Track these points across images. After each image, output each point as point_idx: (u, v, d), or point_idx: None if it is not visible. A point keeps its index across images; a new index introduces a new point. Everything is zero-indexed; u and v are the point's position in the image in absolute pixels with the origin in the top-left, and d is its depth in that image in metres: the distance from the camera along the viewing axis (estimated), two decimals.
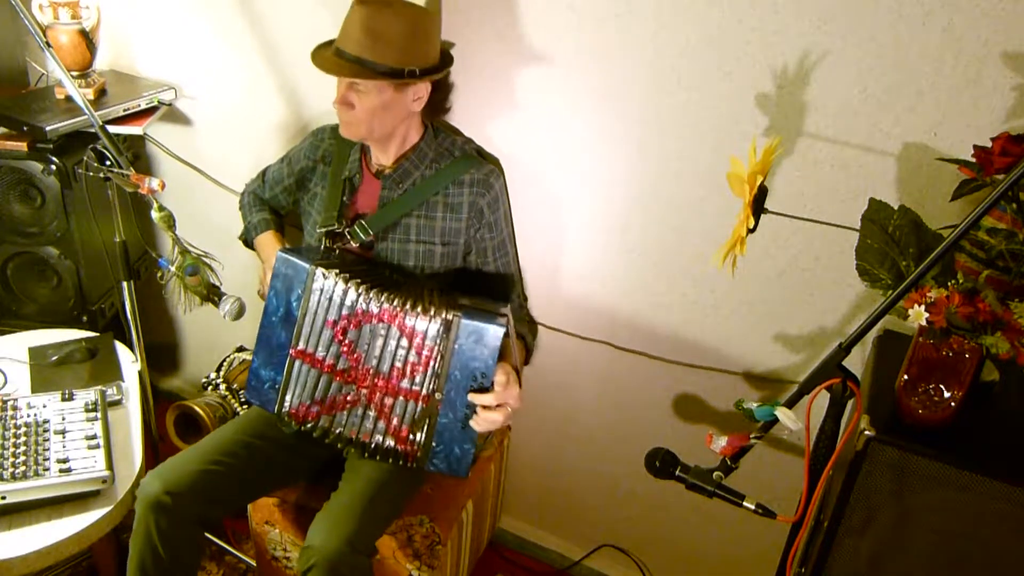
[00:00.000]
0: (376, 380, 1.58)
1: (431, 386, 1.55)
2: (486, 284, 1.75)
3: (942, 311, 1.16)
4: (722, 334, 1.87)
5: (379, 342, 1.56)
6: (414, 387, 1.57)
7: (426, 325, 1.53)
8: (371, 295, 1.55)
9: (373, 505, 1.60)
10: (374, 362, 1.57)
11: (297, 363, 1.62)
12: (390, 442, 1.61)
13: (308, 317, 1.59)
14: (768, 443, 1.91)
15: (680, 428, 2.01)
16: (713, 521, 2.09)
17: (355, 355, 1.58)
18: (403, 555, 1.80)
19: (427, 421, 1.57)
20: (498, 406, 1.53)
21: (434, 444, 1.58)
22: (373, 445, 1.62)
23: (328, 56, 1.57)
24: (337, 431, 1.63)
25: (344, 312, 1.57)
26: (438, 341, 1.53)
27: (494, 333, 1.49)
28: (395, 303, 1.54)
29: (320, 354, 1.60)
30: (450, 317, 1.51)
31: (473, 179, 1.68)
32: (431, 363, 1.54)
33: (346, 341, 1.58)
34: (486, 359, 1.51)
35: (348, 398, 1.60)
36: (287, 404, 1.64)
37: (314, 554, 1.51)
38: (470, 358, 1.52)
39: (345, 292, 1.55)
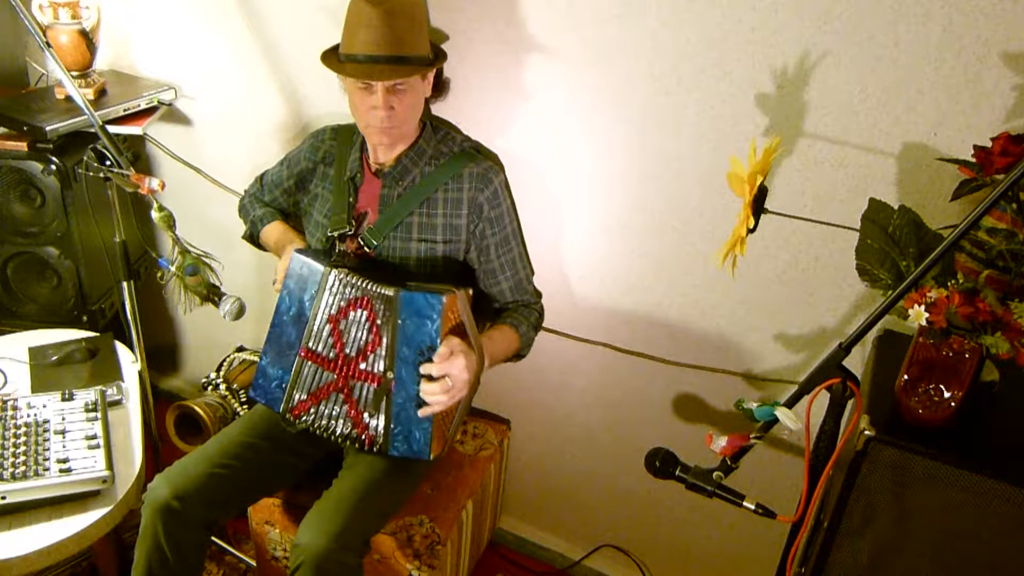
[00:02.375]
0: (348, 365, 1.59)
1: (383, 365, 1.55)
2: (492, 282, 1.75)
3: (942, 311, 1.16)
4: (722, 334, 1.87)
5: (354, 328, 1.57)
6: (367, 368, 1.57)
7: (374, 303, 1.54)
8: (356, 283, 1.56)
9: (363, 503, 1.60)
10: (349, 348, 1.58)
11: (306, 364, 1.63)
12: (349, 427, 1.61)
13: (319, 317, 1.60)
14: (768, 443, 1.91)
15: (680, 428, 2.01)
16: (713, 521, 2.09)
17: (340, 342, 1.59)
18: (403, 555, 1.80)
19: (383, 402, 1.56)
20: (439, 379, 1.50)
21: (392, 427, 1.57)
22: (342, 432, 1.62)
23: (367, 66, 1.53)
24: (321, 422, 1.63)
25: (342, 304, 1.58)
26: (382, 318, 1.53)
27: (433, 304, 1.49)
28: (366, 286, 1.55)
29: (323, 352, 1.61)
30: (390, 292, 1.52)
31: (472, 174, 1.68)
32: (381, 340, 1.54)
33: (336, 331, 1.59)
34: (430, 332, 1.50)
35: (329, 386, 1.61)
36: (293, 402, 1.65)
37: (302, 552, 1.51)
38: (415, 332, 1.51)
39: (350, 285, 1.56)
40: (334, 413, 1.62)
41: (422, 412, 1.54)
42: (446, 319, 1.51)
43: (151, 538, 1.58)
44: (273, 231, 1.89)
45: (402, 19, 1.53)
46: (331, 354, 1.60)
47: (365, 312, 1.56)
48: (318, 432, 1.64)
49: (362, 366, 1.58)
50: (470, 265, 1.75)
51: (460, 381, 1.52)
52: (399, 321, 1.52)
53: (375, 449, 1.60)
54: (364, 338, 1.57)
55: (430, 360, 1.51)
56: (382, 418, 1.58)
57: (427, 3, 1.64)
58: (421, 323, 1.51)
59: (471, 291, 1.67)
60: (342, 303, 1.58)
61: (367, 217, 1.72)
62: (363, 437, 1.60)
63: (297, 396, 1.64)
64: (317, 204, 1.79)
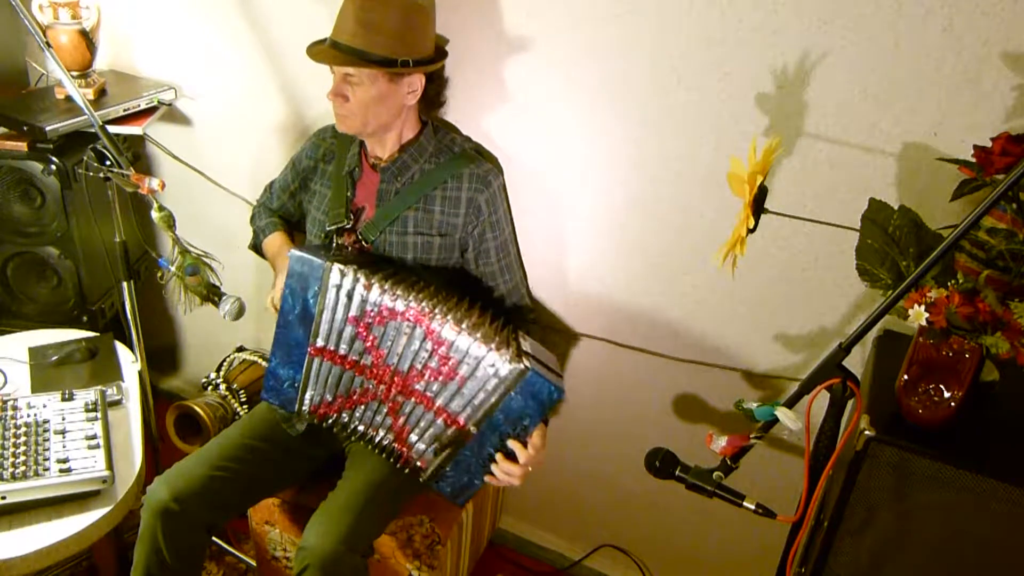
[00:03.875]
0: (394, 378, 1.57)
1: (471, 417, 1.53)
2: (491, 285, 1.75)
3: (942, 311, 1.16)
4: (722, 334, 1.87)
5: (403, 340, 1.53)
6: (441, 403, 1.54)
7: (482, 351, 1.47)
8: (398, 292, 1.52)
9: (369, 505, 1.60)
10: (395, 359, 1.55)
11: (316, 360, 1.61)
12: (390, 439, 1.61)
13: (326, 314, 1.57)
14: (768, 443, 1.91)
15: (680, 428, 2.01)
16: (713, 521, 2.09)
17: (378, 351, 1.57)
18: (403, 555, 1.80)
19: (452, 446, 1.56)
20: (523, 465, 1.53)
21: (448, 470, 1.59)
22: (377, 440, 1.62)
23: (322, 48, 1.58)
24: (354, 425, 1.63)
25: (368, 309, 1.54)
26: (501, 384, 1.48)
27: (553, 397, 1.47)
28: (423, 304, 1.51)
29: (343, 350, 1.58)
30: (524, 366, 1.46)
31: (472, 175, 1.68)
32: (465, 383, 1.51)
33: (370, 337, 1.56)
34: (533, 415, 1.50)
35: (368, 393, 1.60)
36: (307, 401, 1.64)
37: (309, 554, 1.51)
38: (521, 408, 1.49)
39: (368, 290, 1.52)
40: (376, 422, 1.61)
41: (488, 478, 1.55)
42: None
43: (150, 540, 1.58)
44: (272, 243, 1.88)
45: (378, 17, 1.52)
46: (365, 359, 1.57)
47: (421, 329, 1.51)
48: (343, 435, 1.64)
49: (418, 386, 1.55)
50: (466, 267, 1.75)
51: (535, 468, 1.55)
52: (511, 393, 1.48)
53: (419, 478, 1.61)
54: (424, 360, 1.53)
55: (519, 436, 1.52)
56: (438, 456, 1.58)
57: (431, 11, 1.61)
58: (532, 406, 1.49)
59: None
60: (370, 307, 1.53)
61: (364, 211, 1.72)
62: (401, 454, 1.60)
63: (313, 395, 1.63)
64: (316, 201, 1.79)
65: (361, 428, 1.63)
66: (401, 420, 1.58)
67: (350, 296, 1.54)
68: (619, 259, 1.90)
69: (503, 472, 1.53)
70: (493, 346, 1.47)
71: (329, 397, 1.63)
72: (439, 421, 1.55)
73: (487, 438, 1.53)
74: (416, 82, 1.61)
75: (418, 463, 1.61)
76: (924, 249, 1.27)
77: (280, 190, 1.91)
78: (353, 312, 1.55)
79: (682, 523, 2.14)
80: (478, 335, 1.48)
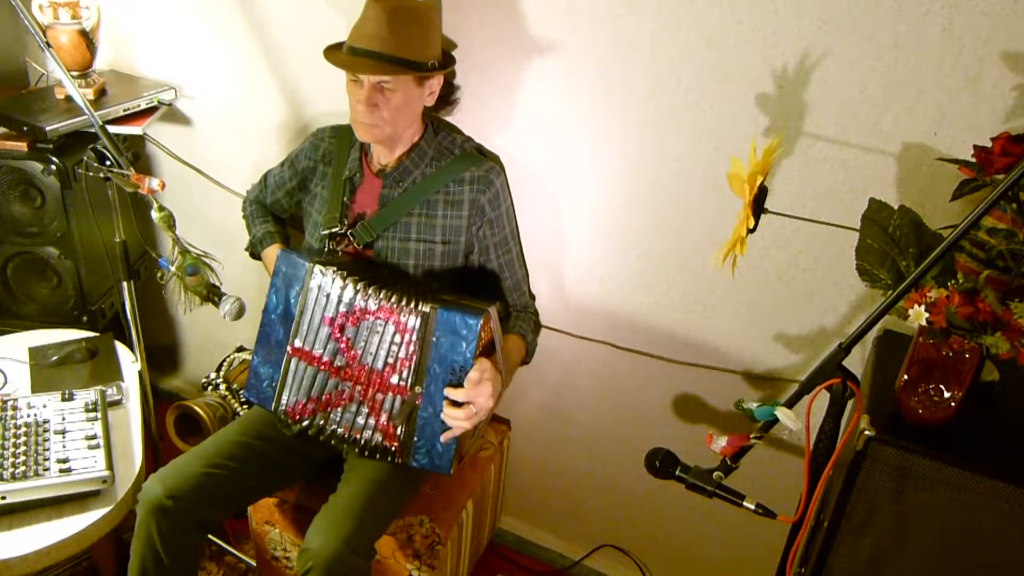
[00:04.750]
0: (371, 376, 1.58)
1: (411, 380, 1.55)
2: (490, 282, 1.74)
3: (942, 311, 1.16)
4: (722, 334, 1.87)
5: (376, 339, 1.56)
6: (400, 382, 1.56)
7: (407, 319, 1.53)
8: (369, 292, 1.55)
9: (371, 507, 1.60)
10: (369, 359, 1.57)
11: (294, 361, 1.62)
12: (379, 438, 1.60)
13: (306, 315, 1.59)
14: (768, 443, 1.91)
15: (680, 428, 2.01)
16: (713, 521, 2.09)
17: (352, 352, 1.58)
18: (403, 555, 1.80)
19: (408, 415, 1.56)
20: (465, 404, 1.51)
21: (415, 439, 1.57)
22: (363, 441, 1.61)
23: (353, 57, 1.54)
24: (331, 428, 1.63)
25: (342, 309, 1.57)
26: (416, 335, 1.53)
27: (470, 325, 1.49)
28: (392, 299, 1.54)
29: (317, 351, 1.60)
30: (427, 309, 1.51)
31: (474, 176, 1.68)
32: (413, 357, 1.54)
33: (343, 338, 1.58)
34: (464, 352, 1.50)
35: (344, 395, 1.60)
36: (284, 402, 1.64)
37: (312, 556, 1.51)
38: (448, 351, 1.51)
39: (343, 289, 1.56)
40: (359, 424, 1.61)
41: (444, 437, 1.54)
42: (479, 339, 1.51)
43: (145, 538, 1.57)
44: (271, 255, 1.87)
45: (405, 21, 1.52)
46: (338, 361, 1.59)
47: (392, 325, 1.54)
48: (322, 439, 1.64)
49: (393, 380, 1.56)
50: (470, 267, 1.74)
51: (484, 409, 1.53)
52: (433, 339, 1.51)
53: (398, 460, 1.60)
54: (396, 352, 1.55)
55: (460, 380, 1.51)
56: (403, 430, 1.58)
57: (440, 12, 1.62)
58: (456, 343, 1.50)
59: (500, 306, 1.66)
60: (343, 308, 1.56)
61: (365, 217, 1.72)
62: (393, 448, 1.60)
63: (290, 396, 1.64)
64: (316, 203, 1.79)
65: (341, 431, 1.62)
66: (384, 417, 1.59)
67: (327, 297, 1.56)
68: (619, 259, 1.90)
69: (451, 419, 1.52)
70: (411, 307, 1.52)
71: (304, 399, 1.63)
72: (397, 399, 1.56)
73: (435, 392, 1.54)
74: (435, 84, 1.63)
75: (393, 449, 1.60)
76: (924, 249, 1.27)
77: (276, 186, 1.91)
78: (329, 313, 1.57)
79: (682, 523, 2.14)
80: (403, 304, 1.52)
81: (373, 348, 1.56)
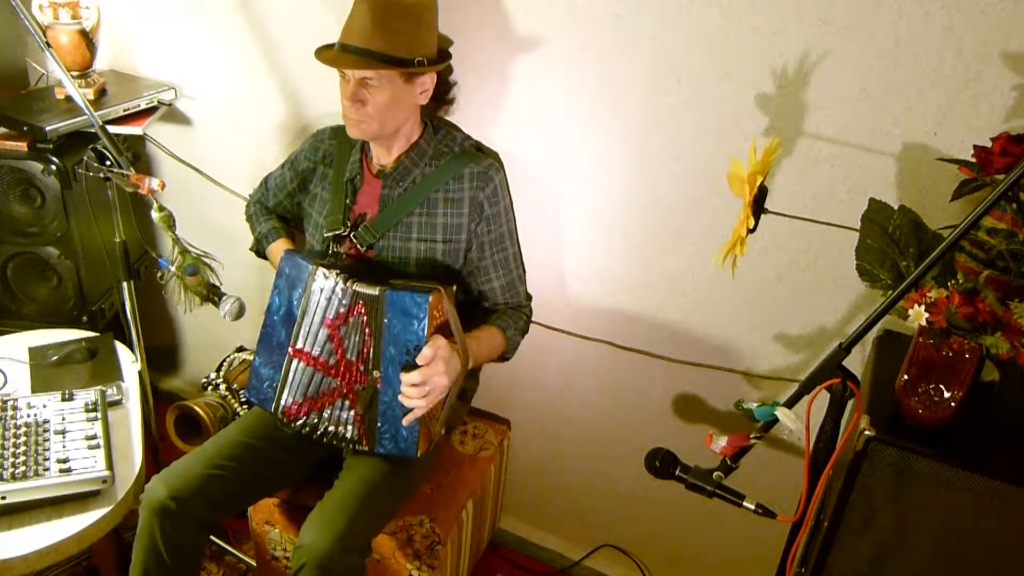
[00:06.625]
0: (351, 369, 1.59)
1: (370, 364, 1.55)
2: (483, 279, 1.74)
3: (942, 311, 1.16)
4: (722, 334, 1.87)
5: (353, 333, 1.57)
6: (363, 371, 1.57)
7: (365, 305, 1.54)
8: (357, 288, 1.55)
9: (366, 504, 1.60)
10: (352, 353, 1.58)
11: (295, 362, 1.62)
12: (358, 432, 1.60)
13: (307, 317, 1.60)
14: (768, 443, 1.91)
15: (680, 428, 2.01)
16: (713, 521, 2.09)
17: (340, 349, 1.59)
18: (403, 555, 1.80)
19: (370, 401, 1.57)
20: (419, 384, 1.50)
21: (379, 424, 1.57)
22: (349, 436, 1.61)
23: (336, 52, 1.55)
24: (324, 427, 1.63)
25: (341, 311, 1.57)
26: (370, 319, 1.53)
27: (419, 303, 1.49)
28: (355, 289, 1.55)
29: (315, 352, 1.60)
30: (375, 292, 1.52)
31: (473, 173, 1.67)
32: (370, 342, 1.55)
33: (338, 337, 1.58)
34: (416, 331, 1.51)
35: (334, 392, 1.61)
36: (283, 402, 1.65)
37: (305, 553, 1.51)
38: (401, 331, 1.52)
39: (343, 291, 1.56)
40: (342, 419, 1.61)
41: (406, 420, 1.54)
42: (432, 318, 1.51)
43: (148, 539, 1.57)
44: (276, 250, 1.87)
45: (392, 17, 1.51)
46: (331, 360, 1.60)
47: (362, 317, 1.56)
48: (315, 437, 1.64)
49: (361, 368, 1.58)
50: (470, 265, 1.74)
51: (439, 387, 1.52)
52: (384, 320, 1.52)
53: (364, 447, 1.60)
54: (361, 342, 1.57)
55: (415, 359, 1.51)
56: (368, 417, 1.58)
57: (435, 9, 1.61)
58: (407, 322, 1.51)
59: (455, 287, 1.67)
60: (340, 308, 1.57)
61: (366, 218, 1.72)
62: (359, 436, 1.60)
63: (288, 397, 1.64)
64: (316, 205, 1.79)
65: (331, 428, 1.63)
66: (360, 407, 1.59)
67: (328, 299, 1.57)
68: (619, 259, 1.90)
69: (407, 399, 1.52)
70: (363, 290, 1.53)
71: (300, 399, 1.63)
72: (360, 387, 1.57)
73: (393, 375, 1.54)
74: (428, 82, 1.61)
75: (359, 436, 1.60)
76: (924, 249, 1.27)
77: (277, 188, 1.91)
78: (330, 315, 1.58)
79: (682, 523, 2.14)
80: (366, 292, 1.54)
81: (351, 343, 1.58)
